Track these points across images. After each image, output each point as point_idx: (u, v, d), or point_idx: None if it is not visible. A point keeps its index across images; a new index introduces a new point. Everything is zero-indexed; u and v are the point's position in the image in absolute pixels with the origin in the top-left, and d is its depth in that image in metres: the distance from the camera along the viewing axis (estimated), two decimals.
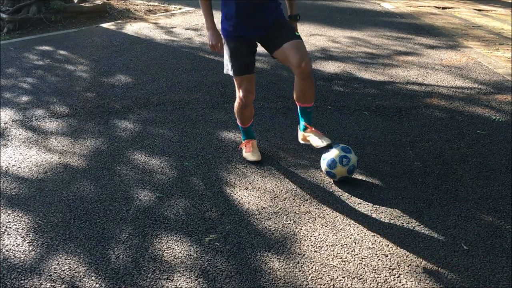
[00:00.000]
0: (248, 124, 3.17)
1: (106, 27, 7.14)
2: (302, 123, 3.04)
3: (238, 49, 2.83)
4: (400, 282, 2.14)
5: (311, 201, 2.75)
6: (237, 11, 2.72)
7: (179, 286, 2.11)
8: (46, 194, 2.81)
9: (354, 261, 2.27)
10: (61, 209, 2.66)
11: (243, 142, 3.25)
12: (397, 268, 2.23)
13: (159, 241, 2.40)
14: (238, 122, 3.18)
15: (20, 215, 2.60)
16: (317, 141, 2.93)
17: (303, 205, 2.71)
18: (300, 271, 2.20)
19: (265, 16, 2.76)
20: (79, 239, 2.41)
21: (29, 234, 2.45)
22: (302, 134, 3.07)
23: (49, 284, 2.11)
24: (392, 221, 2.57)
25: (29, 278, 2.14)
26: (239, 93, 2.94)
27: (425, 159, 3.24)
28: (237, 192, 2.84)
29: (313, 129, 3.02)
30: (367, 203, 2.74)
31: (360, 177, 3.00)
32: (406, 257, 2.30)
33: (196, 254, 2.31)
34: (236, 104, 3.06)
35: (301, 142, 3.12)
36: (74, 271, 2.19)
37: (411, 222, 2.57)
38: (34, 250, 2.33)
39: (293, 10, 2.97)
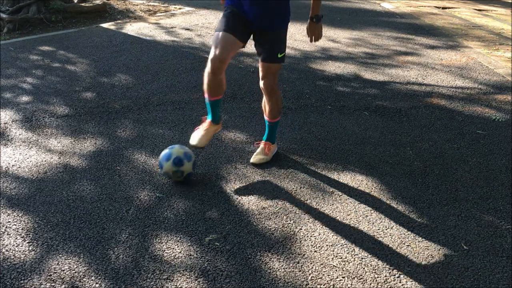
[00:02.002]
0: (213, 97, 2.86)
1: (106, 27, 7.14)
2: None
3: (230, 13, 2.75)
4: (400, 282, 2.14)
5: (311, 201, 2.75)
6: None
7: (179, 286, 2.11)
8: (46, 194, 2.81)
9: (354, 261, 2.27)
10: (61, 209, 2.66)
11: (203, 118, 3.06)
12: (397, 268, 2.23)
13: (159, 241, 2.40)
14: (204, 92, 2.88)
15: (20, 215, 2.60)
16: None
17: (303, 205, 2.71)
18: (300, 271, 2.20)
19: (260, 12, 2.73)
20: (79, 239, 2.41)
21: (29, 234, 2.45)
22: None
23: (49, 284, 2.11)
24: (392, 221, 2.57)
25: (29, 278, 2.14)
26: (210, 54, 2.71)
27: (425, 159, 3.24)
28: (237, 192, 2.84)
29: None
30: (367, 203, 2.74)
31: (360, 177, 3.00)
32: (406, 257, 2.30)
33: (196, 254, 2.31)
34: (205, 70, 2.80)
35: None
36: (74, 271, 2.19)
37: (411, 222, 2.57)
38: (34, 250, 2.33)
39: (314, 10, 2.87)
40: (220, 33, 2.69)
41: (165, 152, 2.88)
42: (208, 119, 3.00)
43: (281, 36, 2.86)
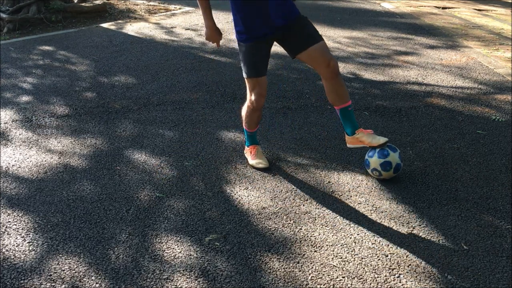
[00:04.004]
0: (254, 129, 3.12)
1: (106, 27, 7.14)
2: (348, 127, 2.93)
3: (250, 51, 2.79)
4: (400, 282, 2.14)
5: (311, 201, 2.75)
6: (244, 13, 2.69)
7: (179, 286, 2.11)
8: (46, 194, 2.81)
9: (354, 261, 2.27)
10: (61, 209, 2.66)
11: (248, 148, 3.19)
12: (397, 268, 2.23)
13: (159, 241, 2.40)
14: (244, 126, 3.12)
15: (20, 215, 2.60)
16: (374, 140, 2.87)
17: (303, 205, 2.71)
18: (300, 271, 2.20)
19: (274, 15, 2.69)
20: (79, 239, 2.41)
21: (29, 234, 2.45)
22: (351, 138, 2.95)
23: (49, 284, 2.11)
24: (392, 221, 2.57)
25: (29, 278, 2.14)
26: (250, 96, 2.91)
27: (425, 159, 3.24)
28: (237, 192, 2.84)
29: (362, 129, 2.93)
30: (367, 203, 2.74)
31: (360, 177, 3.00)
32: (406, 257, 2.30)
33: (196, 254, 2.31)
34: (245, 107, 3.02)
35: (350, 146, 3.02)
36: (74, 271, 2.19)
37: (411, 222, 2.57)
38: (34, 250, 2.33)
39: None
40: (255, 80, 2.86)
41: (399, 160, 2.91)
42: (250, 146, 3.18)
43: (304, 18, 2.81)
